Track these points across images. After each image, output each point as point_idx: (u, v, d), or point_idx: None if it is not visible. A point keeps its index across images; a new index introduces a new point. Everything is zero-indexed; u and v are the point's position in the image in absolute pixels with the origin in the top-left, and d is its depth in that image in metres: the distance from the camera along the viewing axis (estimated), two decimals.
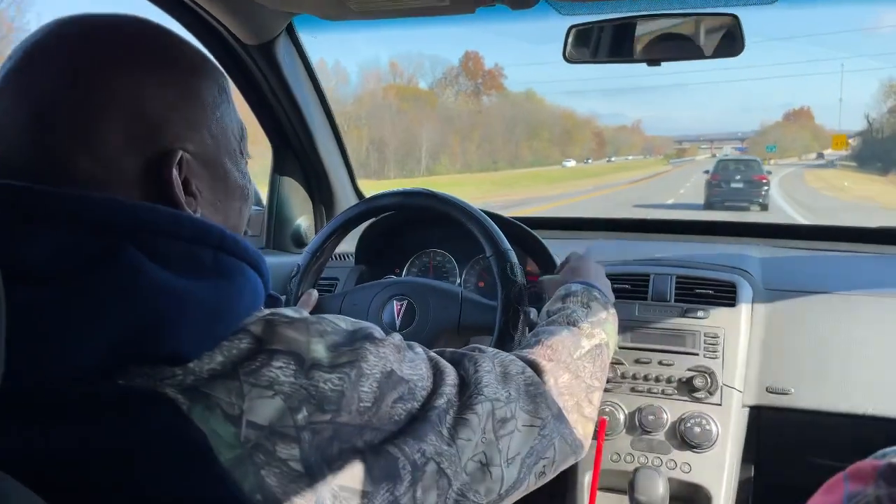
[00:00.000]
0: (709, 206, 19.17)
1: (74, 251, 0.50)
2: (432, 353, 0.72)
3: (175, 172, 0.58)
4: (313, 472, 0.53)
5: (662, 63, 1.23)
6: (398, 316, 1.27)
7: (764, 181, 19.47)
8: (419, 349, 0.71)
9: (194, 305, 0.52)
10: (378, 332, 0.65)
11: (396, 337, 0.68)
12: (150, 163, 0.58)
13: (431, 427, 0.63)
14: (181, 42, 0.63)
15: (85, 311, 0.49)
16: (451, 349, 0.77)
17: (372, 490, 0.57)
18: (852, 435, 1.35)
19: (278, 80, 1.46)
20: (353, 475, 0.56)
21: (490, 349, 0.80)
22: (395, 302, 1.28)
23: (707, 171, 21.00)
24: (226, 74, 0.68)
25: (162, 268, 0.52)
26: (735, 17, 1.12)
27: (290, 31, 1.46)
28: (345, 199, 1.84)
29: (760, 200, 18.87)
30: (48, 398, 0.48)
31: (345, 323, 0.63)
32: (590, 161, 78.76)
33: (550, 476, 0.79)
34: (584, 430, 0.85)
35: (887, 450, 0.42)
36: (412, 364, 0.66)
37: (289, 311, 0.60)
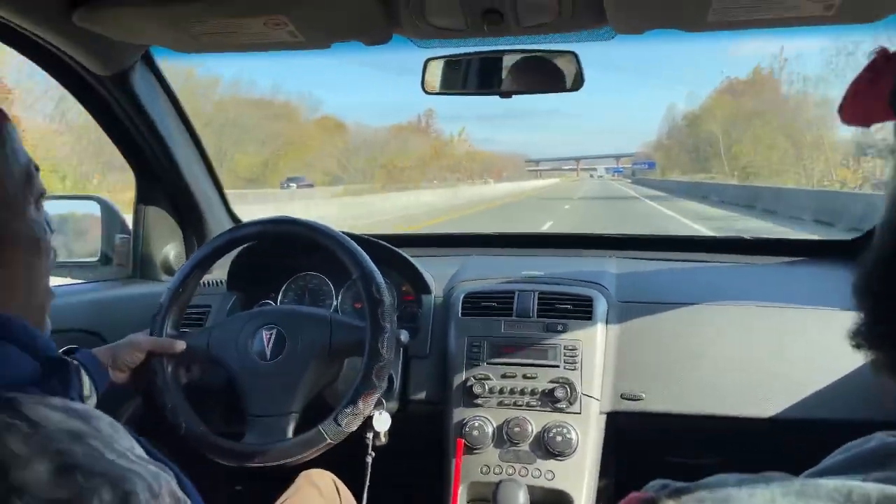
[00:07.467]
0: None
1: None
2: None
3: None
4: None
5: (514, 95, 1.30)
6: (268, 345, 1.26)
7: None
8: None
9: None
10: (154, 487, 0.50)
11: (173, 483, 0.53)
12: None
13: None
14: None
15: None
16: None
17: None
18: (700, 433, 1.47)
19: (136, 109, 1.43)
20: None
21: None
22: (263, 332, 1.27)
23: None
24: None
25: None
26: (574, 53, 1.20)
27: (148, 60, 1.44)
28: (216, 225, 1.81)
29: None
30: None
31: (113, 455, 0.49)
32: None
33: None
34: None
35: (654, 483, 0.45)
36: None
37: (33, 404, 0.50)
